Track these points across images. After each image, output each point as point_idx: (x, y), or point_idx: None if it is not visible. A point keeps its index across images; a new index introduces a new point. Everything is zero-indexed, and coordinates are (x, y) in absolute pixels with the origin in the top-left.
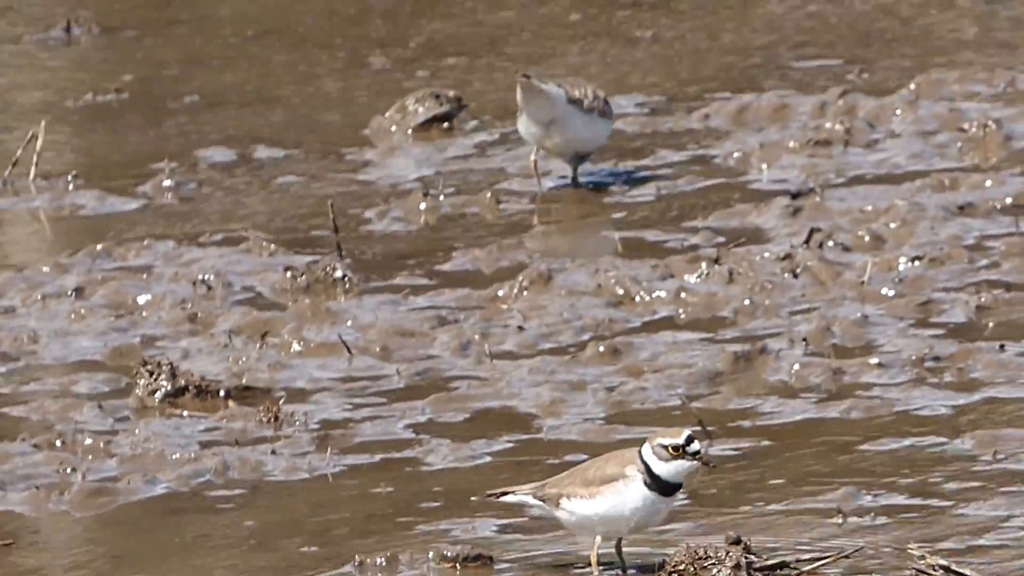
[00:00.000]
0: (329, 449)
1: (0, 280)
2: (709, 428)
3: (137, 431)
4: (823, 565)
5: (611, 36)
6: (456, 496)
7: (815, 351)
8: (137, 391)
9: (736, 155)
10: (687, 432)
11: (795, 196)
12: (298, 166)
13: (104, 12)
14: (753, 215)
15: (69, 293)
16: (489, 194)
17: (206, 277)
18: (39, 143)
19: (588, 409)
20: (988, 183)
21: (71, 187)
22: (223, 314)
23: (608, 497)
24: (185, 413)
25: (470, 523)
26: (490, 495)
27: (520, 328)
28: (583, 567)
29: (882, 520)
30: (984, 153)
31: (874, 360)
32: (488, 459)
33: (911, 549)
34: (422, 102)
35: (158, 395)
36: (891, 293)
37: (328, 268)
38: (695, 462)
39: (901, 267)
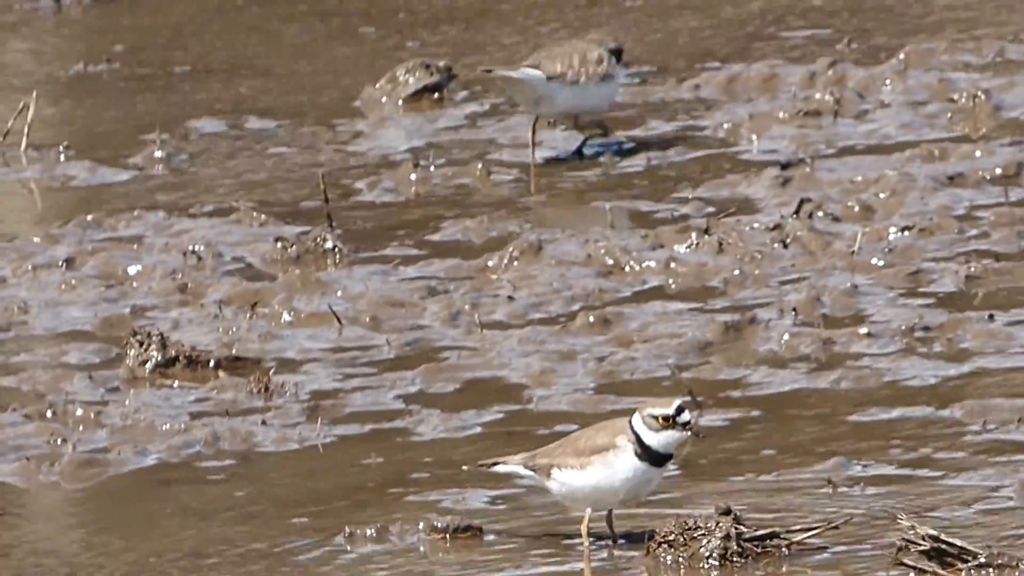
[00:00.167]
0: (319, 419)
1: None
2: (699, 398)
3: (127, 402)
4: (813, 535)
5: (601, 5)
6: (446, 467)
7: (805, 321)
8: (127, 361)
9: (726, 126)
10: (677, 402)
11: (785, 167)
12: (289, 137)
13: None
14: (743, 185)
15: (60, 264)
16: (480, 165)
17: (196, 248)
18: (30, 114)
19: (578, 379)
20: (978, 153)
21: (62, 158)
22: (213, 285)
23: (599, 468)
24: (175, 384)
25: (460, 494)
26: (481, 465)
27: (510, 298)
28: (573, 538)
29: (872, 490)
30: (974, 123)
31: (864, 330)
32: (478, 429)
33: (901, 519)
34: (412, 72)
35: (148, 365)
36: (881, 263)
37: (318, 239)
38: (685, 432)
39: (891, 237)
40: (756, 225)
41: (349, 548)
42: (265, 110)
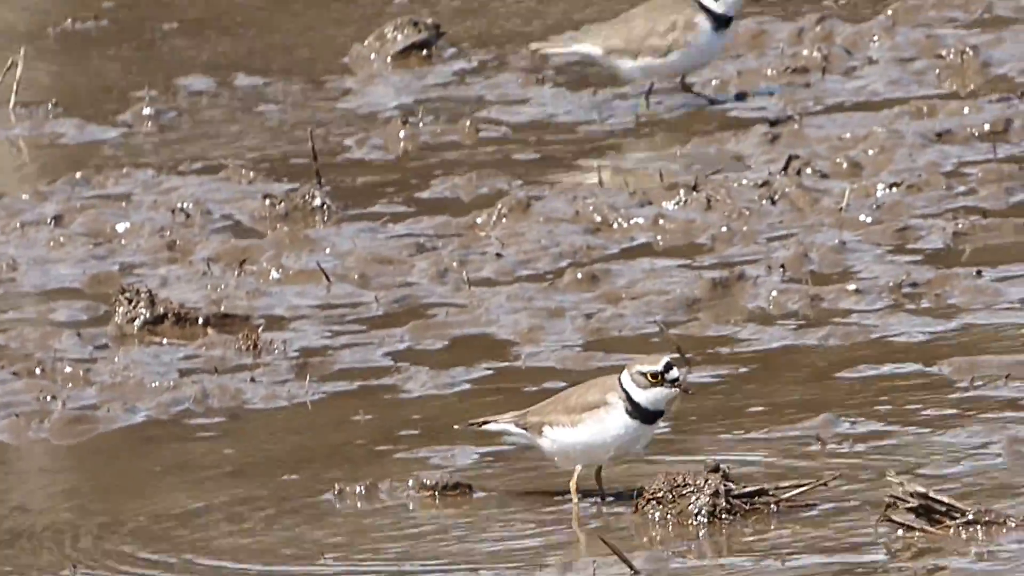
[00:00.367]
0: (308, 377)
1: None
2: (687, 355)
3: (116, 359)
4: (802, 493)
5: None
6: (435, 424)
7: (793, 278)
8: (116, 319)
9: (714, 83)
10: (665, 359)
11: (773, 123)
12: (278, 94)
13: None
14: (731, 142)
15: (48, 221)
16: (468, 122)
17: (185, 205)
18: (19, 71)
19: (566, 336)
20: (966, 110)
21: (51, 115)
22: (202, 242)
23: (590, 425)
24: (164, 341)
25: (449, 451)
26: (472, 423)
27: (498, 255)
28: (562, 495)
29: (860, 447)
30: (962, 80)
31: (851, 286)
32: (466, 386)
33: (889, 476)
34: (401, 29)
35: (137, 323)
36: (869, 220)
37: (307, 196)
38: (674, 389)
39: (879, 194)
40: (744, 182)
41: (338, 505)
42: (254, 67)
